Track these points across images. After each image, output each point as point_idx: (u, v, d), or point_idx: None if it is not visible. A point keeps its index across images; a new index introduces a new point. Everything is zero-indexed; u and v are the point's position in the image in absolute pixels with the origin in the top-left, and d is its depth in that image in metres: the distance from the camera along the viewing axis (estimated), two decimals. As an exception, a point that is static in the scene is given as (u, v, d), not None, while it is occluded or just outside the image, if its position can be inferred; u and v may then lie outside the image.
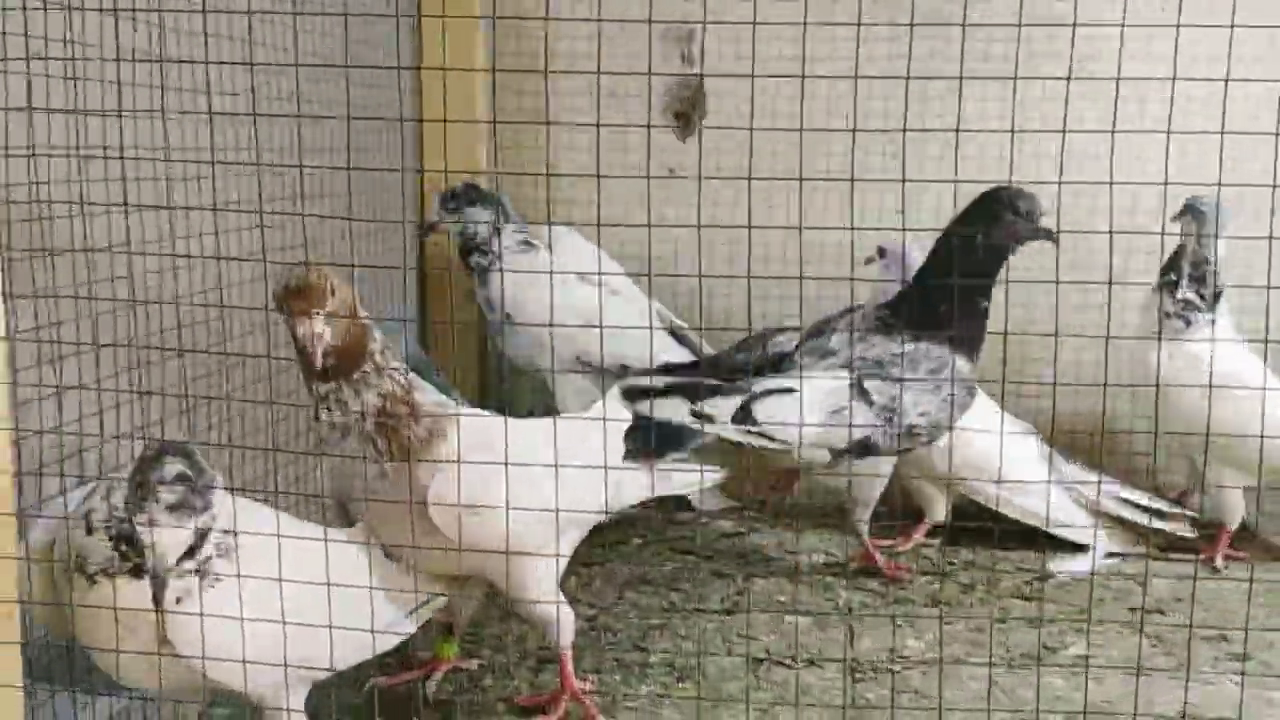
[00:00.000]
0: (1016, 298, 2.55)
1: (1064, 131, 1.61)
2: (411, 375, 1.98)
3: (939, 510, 3.09)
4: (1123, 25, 1.59)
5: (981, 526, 2.90)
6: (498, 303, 3.13)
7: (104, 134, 1.78)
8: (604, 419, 1.98)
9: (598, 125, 1.72)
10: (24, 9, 1.70)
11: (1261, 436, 2.03)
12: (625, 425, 2.28)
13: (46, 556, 1.72)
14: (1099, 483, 2.97)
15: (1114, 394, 2.94)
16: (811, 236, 1.94)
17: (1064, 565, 2.92)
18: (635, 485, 2.24)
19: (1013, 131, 1.73)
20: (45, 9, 1.76)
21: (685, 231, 2.70)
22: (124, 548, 1.64)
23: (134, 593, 1.64)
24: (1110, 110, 1.65)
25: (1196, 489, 3.10)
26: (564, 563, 2.14)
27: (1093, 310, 3.01)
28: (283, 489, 2.28)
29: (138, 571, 1.64)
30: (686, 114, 3.54)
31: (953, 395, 2.60)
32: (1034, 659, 2.44)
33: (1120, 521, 3.04)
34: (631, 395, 2.55)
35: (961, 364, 2.66)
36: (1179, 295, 2.91)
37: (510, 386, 3.42)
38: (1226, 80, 1.59)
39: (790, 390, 2.55)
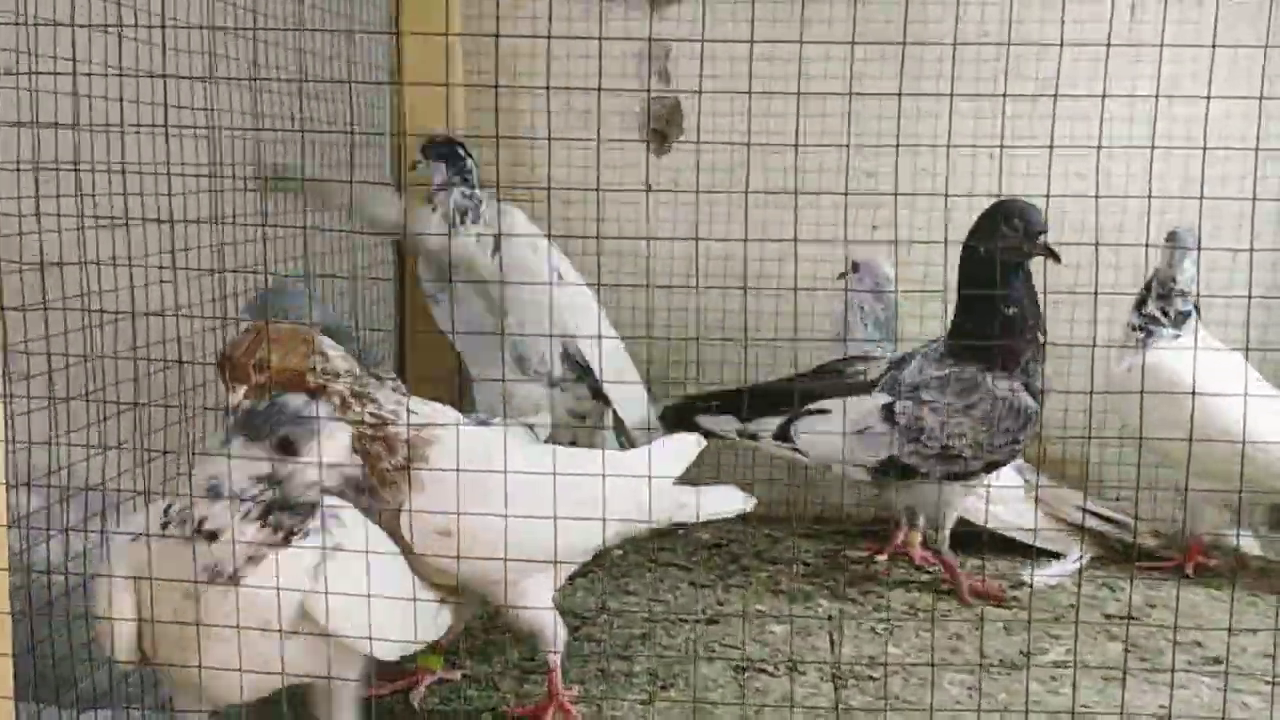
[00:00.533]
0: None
1: (1051, 147, 1.65)
2: (398, 402, 1.99)
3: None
4: (1108, 45, 1.64)
5: (969, 530, 2.93)
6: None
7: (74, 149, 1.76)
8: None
9: (550, 139, 1.75)
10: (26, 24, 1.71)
11: (1243, 442, 2.08)
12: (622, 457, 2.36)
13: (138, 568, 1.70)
14: (1084, 495, 3.06)
15: (1081, 407, 3.01)
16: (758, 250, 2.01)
17: (1041, 573, 2.97)
18: (666, 504, 2.27)
19: (996, 148, 1.77)
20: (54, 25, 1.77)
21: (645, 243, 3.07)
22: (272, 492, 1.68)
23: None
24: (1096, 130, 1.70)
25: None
26: (565, 572, 2.17)
27: (1081, 325, 3.10)
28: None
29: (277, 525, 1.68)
30: (662, 131, 3.58)
31: (993, 414, 2.67)
32: (1012, 665, 2.49)
33: (1087, 531, 3.13)
34: (682, 411, 2.83)
35: (998, 381, 2.71)
36: (1144, 310, 3.06)
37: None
38: (1208, 98, 1.65)
39: (826, 411, 2.76)
